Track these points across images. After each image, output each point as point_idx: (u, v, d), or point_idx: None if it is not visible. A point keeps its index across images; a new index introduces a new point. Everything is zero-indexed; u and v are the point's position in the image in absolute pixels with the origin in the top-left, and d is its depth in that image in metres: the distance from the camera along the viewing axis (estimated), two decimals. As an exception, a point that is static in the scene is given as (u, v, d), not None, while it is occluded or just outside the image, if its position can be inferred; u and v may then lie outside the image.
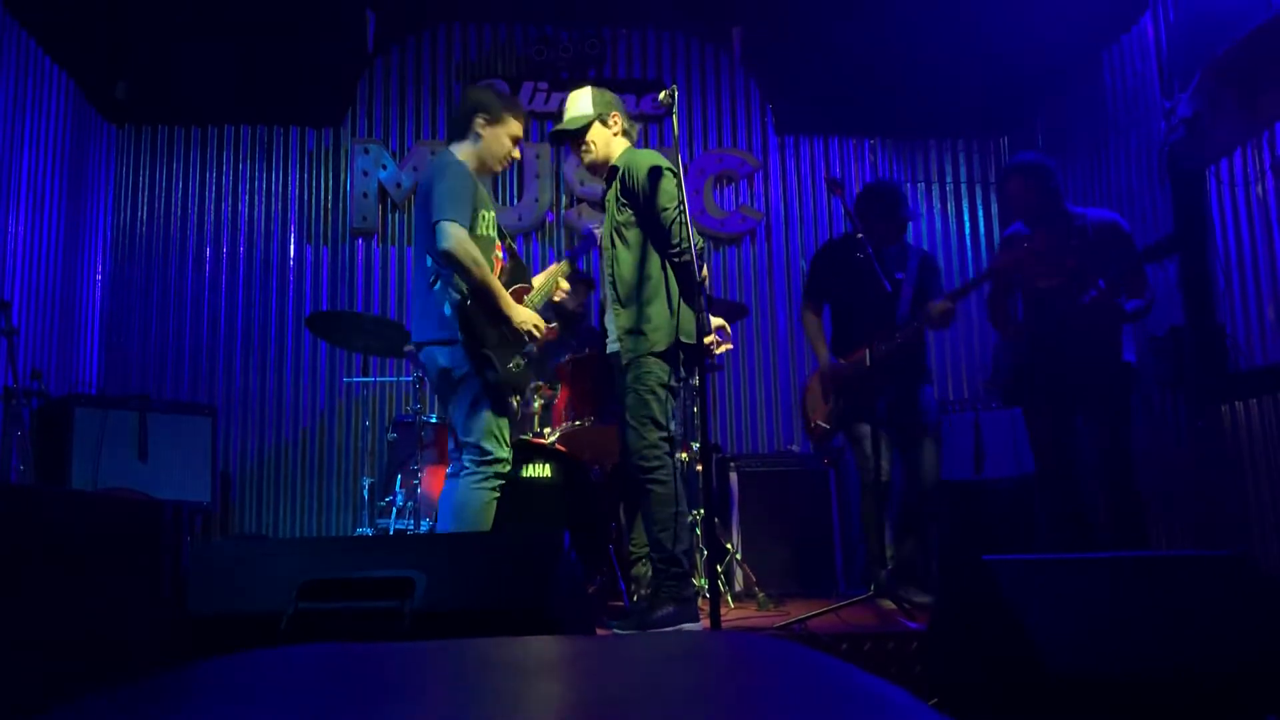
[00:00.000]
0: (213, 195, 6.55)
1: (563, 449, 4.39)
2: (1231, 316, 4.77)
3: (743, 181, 6.82)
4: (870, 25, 5.91)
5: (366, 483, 5.28)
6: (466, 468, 3.48)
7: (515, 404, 3.68)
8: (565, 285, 3.92)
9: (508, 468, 3.55)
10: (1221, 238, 4.83)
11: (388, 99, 6.67)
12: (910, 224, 4.47)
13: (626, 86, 6.70)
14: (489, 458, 3.48)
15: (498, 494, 3.50)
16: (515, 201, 6.61)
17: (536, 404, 4.66)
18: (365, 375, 6.23)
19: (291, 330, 6.43)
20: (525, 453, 4.33)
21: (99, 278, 6.31)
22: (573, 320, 5.14)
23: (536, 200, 6.59)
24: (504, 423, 3.55)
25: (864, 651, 3.07)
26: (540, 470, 4.33)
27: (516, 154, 3.78)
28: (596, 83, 6.60)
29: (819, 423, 4.48)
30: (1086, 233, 4.11)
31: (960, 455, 5.53)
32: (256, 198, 6.59)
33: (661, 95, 3.42)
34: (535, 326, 3.61)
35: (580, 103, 3.84)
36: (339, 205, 6.60)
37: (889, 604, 3.93)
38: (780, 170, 6.87)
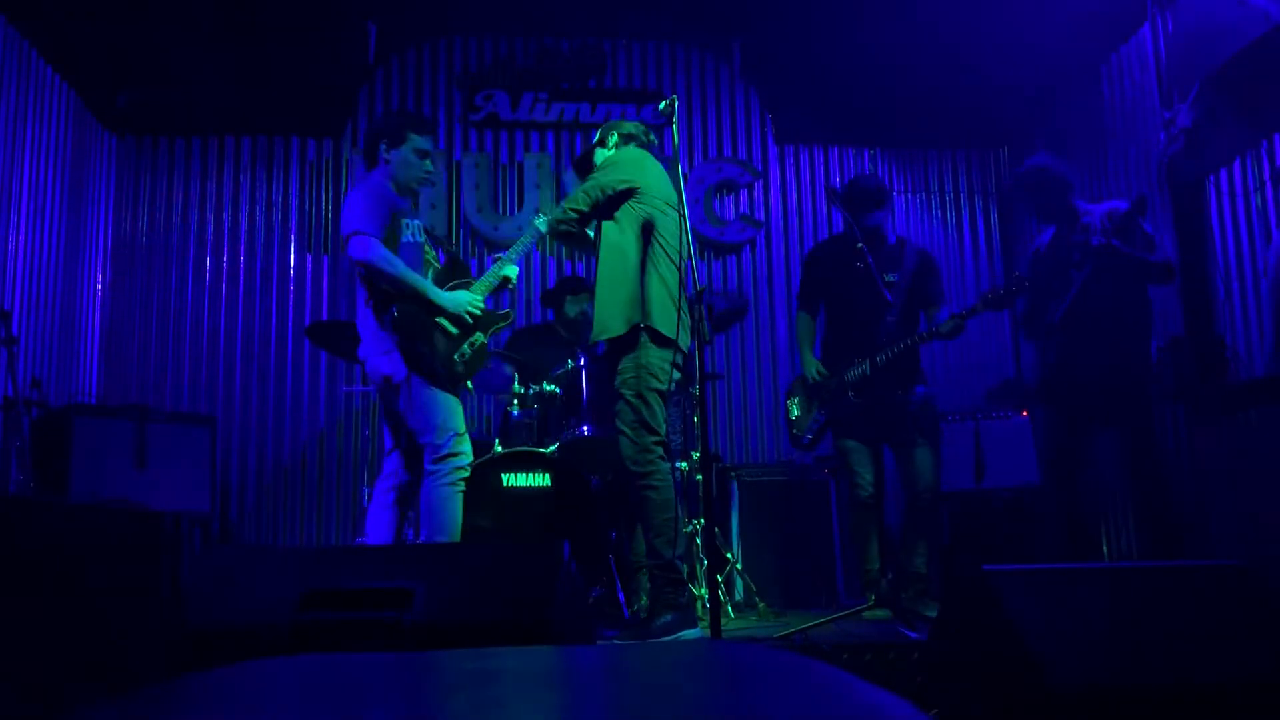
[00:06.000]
0: (213, 205, 6.55)
1: (562, 459, 4.39)
2: (1231, 327, 4.77)
3: (743, 191, 6.83)
4: (870, 36, 5.92)
5: (366, 492, 5.27)
6: (428, 470, 3.57)
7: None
8: (509, 277, 3.93)
9: (469, 458, 3.64)
10: (1221, 248, 4.84)
11: (388, 110, 6.68)
12: (872, 225, 4.26)
13: (627, 97, 6.72)
14: (444, 453, 3.56)
15: (462, 487, 3.60)
16: (515, 211, 6.61)
17: (537, 412, 4.66)
18: (365, 385, 6.21)
19: (291, 340, 6.43)
20: (524, 462, 4.33)
21: (99, 287, 6.31)
22: (574, 328, 5.15)
23: (536, 210, 6.59)
24: (458, 416, 3.62)
25: (864, 662, 3.05)
26: (539, 480, 4.33)
27: (429, 167, 3.86)
28: (597, 93, 6.68)
29: (800, 434, 4.43)
30: (1092, 226, 4.11)
31: (960, 465, 5.51)
32: (257, 207, 6.59)
33: (661, 105, 3.45)
34: (470, 310, 3.68)
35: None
36: (339, 215, 6.60)
37: (890, 614, 3.92)
38: (780, 180, 6.88)
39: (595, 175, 3.80)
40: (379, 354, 3.62)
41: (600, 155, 3.96)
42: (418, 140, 3.77)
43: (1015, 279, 3.96)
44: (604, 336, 3.68)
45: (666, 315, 3.61)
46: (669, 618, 3.44)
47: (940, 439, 4.34)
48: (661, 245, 3.66)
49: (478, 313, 3.72)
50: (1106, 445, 4.31)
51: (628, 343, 3.62)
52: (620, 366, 3.63)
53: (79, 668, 1.44)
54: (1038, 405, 4.30)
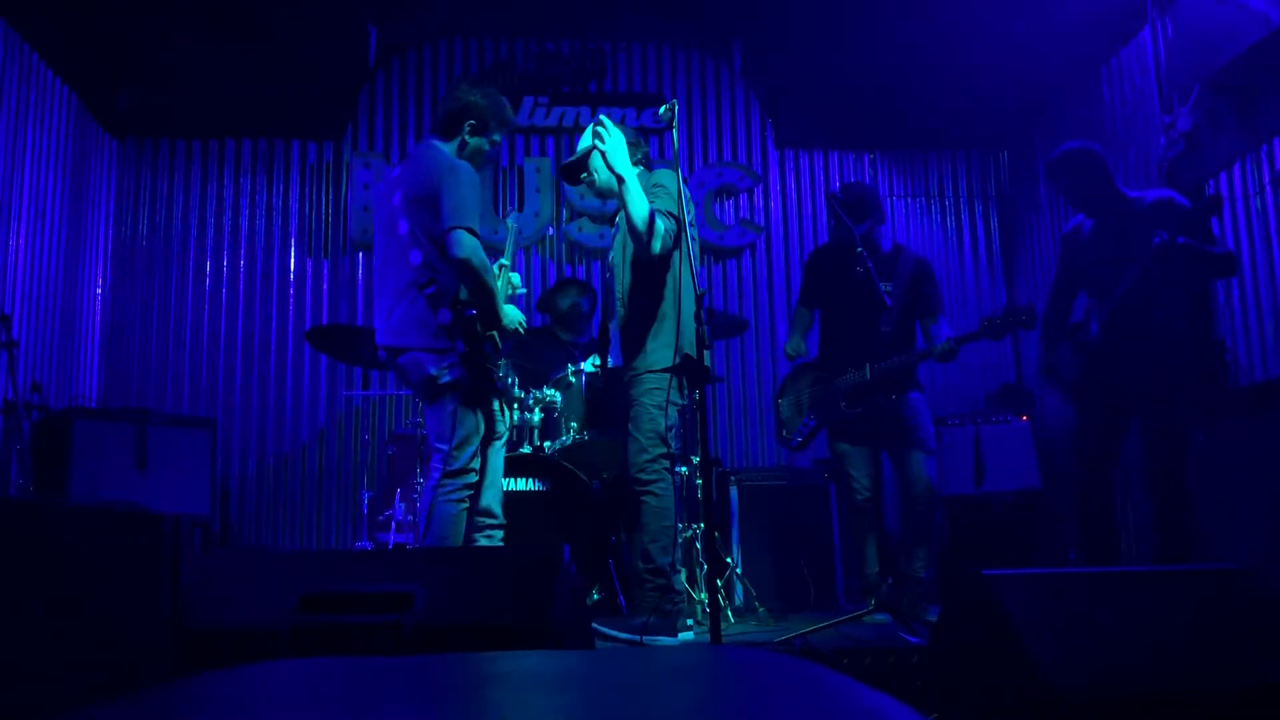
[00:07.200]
0: (213, 208, 6.56)
1: (562, 462, 4.39)
2: (1231, 331, 4.77)
3: (742, 195, 6.83)
4: (870, 39, 5.92)
5: (366, 496, 5.27)
6: (437, 481, 3.47)
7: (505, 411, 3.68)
8: (516, 283, 3.88)
9: (476, 476, 3.54)
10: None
11: (388, 112, 6.69)
12: (861, 232, 4.16)
13: (627, 100, 6.73)
14: (458, 466, 3.45)
15: (467, 504, 3.50)
16: (515, 215, 6.60)
17: (537, 416, 4.65)
18: (365, 389, 6.22)
19: (291, 344, 6.43)
20: (525, 466, 4.32)
21: (99, 290, 6.31)
22: (569, 321, 5.15)
23: (537, 214, 6.60)
24: (480, 433, 3.54)
25: (864, 666, 3.05)
26: (540, 483, 4.32)
27: (489, 160, 3.76)
28: (597, 97, 6.68)
29: (790, 435, 4.41)
30: (1142, 215, 3.90)
31: (960, 470, 5.52)
32: (257, 211, 6.60)
33: (661, 109, 3.42)
34: (520, 328, 3.63)
35: (581, 139, 3.88)
36: (339, 219, 6.61)
37: (890, 618, 3.92)
38: (780, 184, 6.89)
39: (660, 195, 3.63)
40: (425, 348, 3.42)
41: (601, 162, 3.87)
42: (498, 136, 3.69)
43: (1015, 310, 3.86)
44: (654, 369, 3.63)
45: (693, 336, 3.59)
46: (651, 622, 3.45)
47: (932, 442, 4.30)
48: (689, 265, 3.59)
49: (522, 332, 3.62)
50: (1131, 447, 4.19)
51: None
52: (647, 374, 3.64)
53: (79, 669, 1.44)
54: (1070, 404, 4.14)
